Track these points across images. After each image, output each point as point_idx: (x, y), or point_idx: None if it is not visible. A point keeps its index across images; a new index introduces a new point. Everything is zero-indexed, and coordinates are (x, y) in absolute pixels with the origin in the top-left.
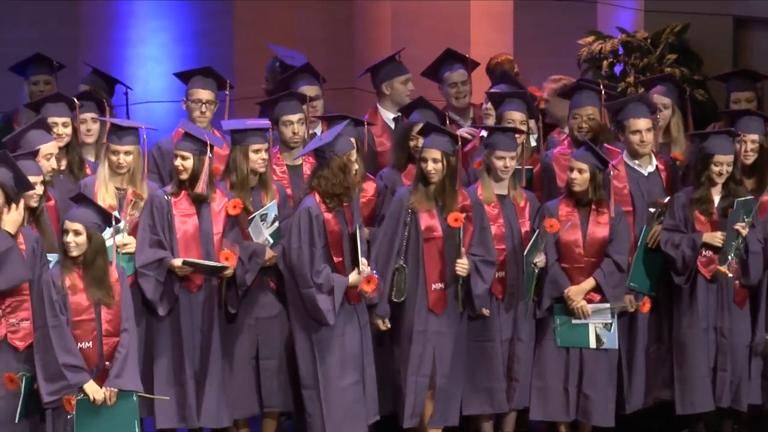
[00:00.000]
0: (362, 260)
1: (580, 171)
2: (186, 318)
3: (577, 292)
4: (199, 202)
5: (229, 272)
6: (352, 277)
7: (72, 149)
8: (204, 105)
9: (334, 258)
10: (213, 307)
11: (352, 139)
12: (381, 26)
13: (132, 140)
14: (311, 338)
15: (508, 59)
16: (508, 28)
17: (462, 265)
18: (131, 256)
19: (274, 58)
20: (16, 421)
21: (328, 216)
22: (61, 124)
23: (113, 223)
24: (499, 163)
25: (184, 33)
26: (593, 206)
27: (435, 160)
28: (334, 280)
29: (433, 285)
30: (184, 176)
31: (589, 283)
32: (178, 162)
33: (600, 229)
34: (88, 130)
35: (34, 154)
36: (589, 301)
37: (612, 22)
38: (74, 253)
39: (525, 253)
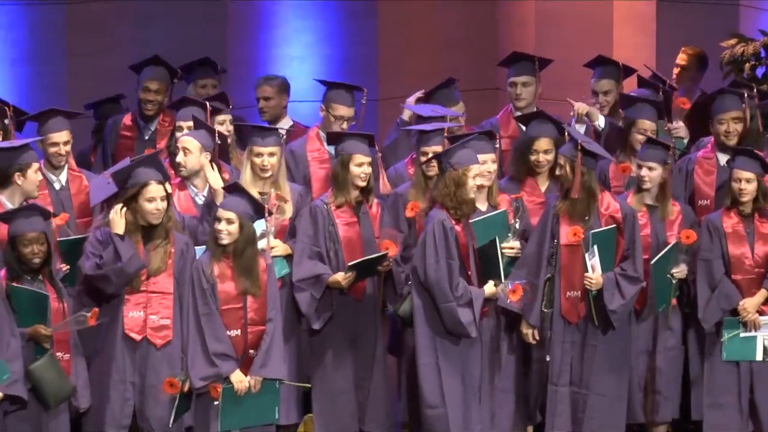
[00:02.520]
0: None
1: (749, 180)
2: (349, 325)
3: (753, 305)
4: (358, 208)
5: (388, 264)
6: (488, 288)
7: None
8: (345, 122)
9: (467, 271)
10: (376, 311)
11: (490, 155)
12: (524, 27)
13: (275, 141)
14: (437, 355)
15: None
16: (651, 31)
17: (589, 280)
18: (278, 260)
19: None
20: (170, 424)
21: (458, 228)
22: (186, 128)
23: (266, 215)
24: (641, 173)
25: (329, 33)
26: (756, 214)
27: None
28: (472, 292)
29: (567, 293)
30: (364, 183)
31: (762, 294)
32: (364, 169)
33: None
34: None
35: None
36: (760, 314)
37: (754, 25)
38: (225, 241)
39: (653, 262)
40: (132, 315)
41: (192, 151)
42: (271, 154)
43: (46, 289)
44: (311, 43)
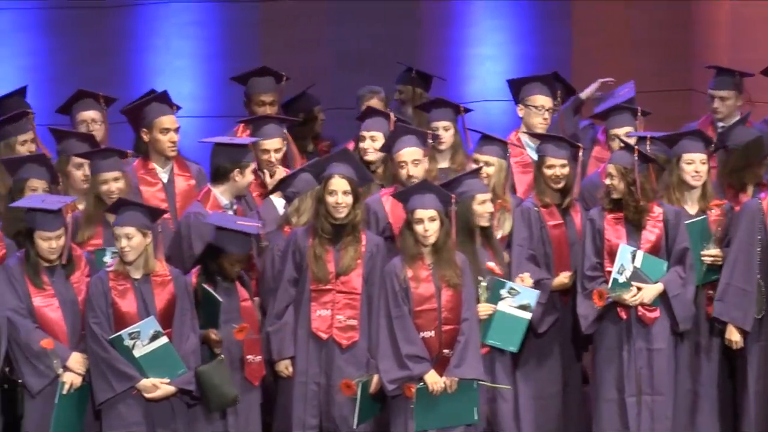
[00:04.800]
0: (615, 275)
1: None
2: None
3: None
4: (564, 210)
5: None
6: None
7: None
8: (546, 111)
9: (606, 267)
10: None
11: (698, 155)
12: (718, 29)
13: (493, 151)
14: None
15: None
16: None
17: None
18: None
19: None
20: (355, 426)
21: (608, 226)
22: (368, 138)
23: (451, 201)
24: None
25: (521, 32)
26: None
27: None
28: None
29: None
30: (560, 185)
31: None
32: (555, 171)
33: None
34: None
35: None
36: None
37: None
38: (432, 240)
39: None
40: (319, 313)
41: (422, 163)
42: (488, 164)
43: (236, 288)
44: (503, 42)
